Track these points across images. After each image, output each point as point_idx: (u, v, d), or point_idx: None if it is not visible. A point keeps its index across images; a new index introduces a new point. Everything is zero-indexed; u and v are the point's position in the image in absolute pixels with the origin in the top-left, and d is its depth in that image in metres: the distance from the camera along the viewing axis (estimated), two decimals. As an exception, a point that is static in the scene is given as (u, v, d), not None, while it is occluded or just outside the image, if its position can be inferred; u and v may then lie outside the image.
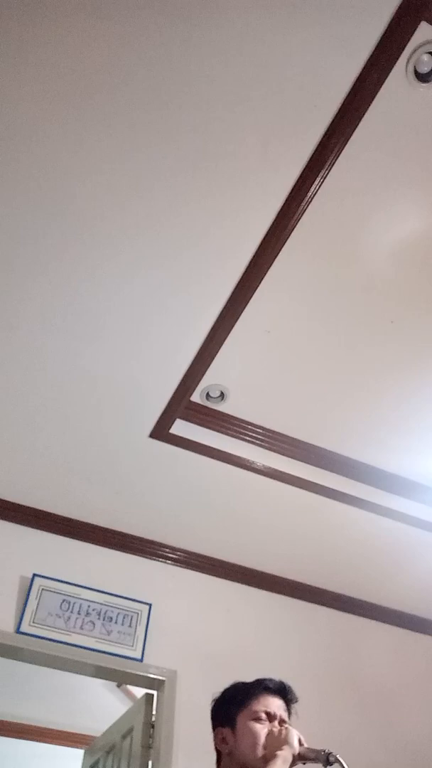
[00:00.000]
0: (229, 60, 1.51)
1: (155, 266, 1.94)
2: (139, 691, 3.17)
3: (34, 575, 2.73)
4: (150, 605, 2.87)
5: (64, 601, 2.73)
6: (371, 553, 3.10)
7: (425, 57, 1.50)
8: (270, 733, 1.39)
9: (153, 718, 2.64)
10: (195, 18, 1.45)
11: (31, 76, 1.55)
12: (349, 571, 3.25)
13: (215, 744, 1.47)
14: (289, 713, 1.51)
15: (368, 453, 2.64)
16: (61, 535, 2.94)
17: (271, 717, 1.43)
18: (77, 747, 3.96)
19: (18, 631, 2.57)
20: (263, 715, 1.43)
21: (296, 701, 1.52)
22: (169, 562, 3.11)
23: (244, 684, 1.53)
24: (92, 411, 2.42)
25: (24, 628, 2.58)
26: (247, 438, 2.55)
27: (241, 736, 1.41)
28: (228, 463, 2.62)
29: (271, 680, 1.52)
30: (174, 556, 3.12)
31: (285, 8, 1.43)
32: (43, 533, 2.91)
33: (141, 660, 2.71)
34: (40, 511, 2.92)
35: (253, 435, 2.54)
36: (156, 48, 1.50)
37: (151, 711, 2.67)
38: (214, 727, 1.50)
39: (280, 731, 1.39)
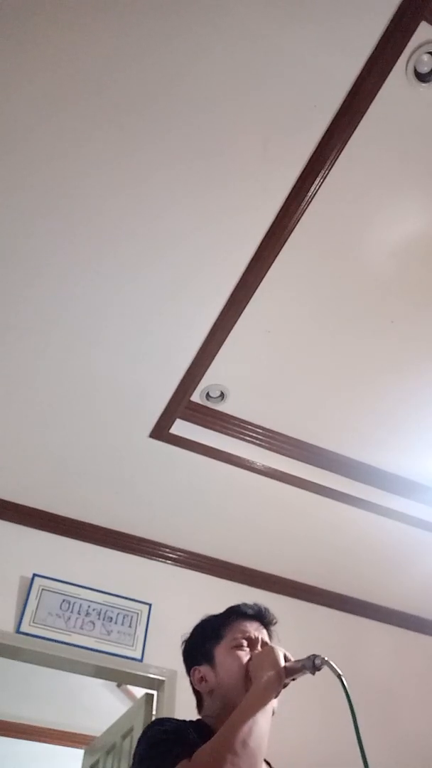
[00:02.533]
0: (229, 60, 1.51)
1: (155, 266, 1.94)
2: (139, 691, 3.17)
3: (34, 575, 2.73)
4: (150, 605, 2.87)
5: (64, 601, 2.73)
6: (371, 553, 3.10)
7: (425, 57, 1.50)
8: (251, 657, 1.24)
9: (153, 718, 2.64)
10: (195, 18, 1.45)
11: (30, 75, 1.55)
12: (349, 571, 3.24)
13: (193, 686, 1.32)
14: (270, 637, 1.37)
15: (368, 453, 2.64)
16: (61, 535, 2.94)
17: (252, 643, 1.29)
18: (77, 747, 3.95)
19: (18, 631, 2.57)
20: (243, 642, 1.28)
21: (275, 622, 1.38)
22: (169, 562, 3.11)
23: (215, 616, 1.40)
24: (92, 411, 2.42)
25: (24, 628, 2.58)
26: (247, 438, 2.55)
27: (222, 669, 1.26)
28: (228, 463, 2.62)
29: (245, 604, 1.40)
30: (174, 556, 3.12)
31: (285, 8, 1.43)
32: (43, 533, 2.91)
33: (141, 660, 2.71)
34: (40, 511, 2.92)
35: (253, 435, 2.54)
36: (156, 48, 1.50)
37: (151, 711, 2.67)
38: (189, 668, 1.35)
39: (261, 652, 1.24)
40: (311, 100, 1.57)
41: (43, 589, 2.71)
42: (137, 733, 2.64)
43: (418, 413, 2.43)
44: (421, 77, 1.54)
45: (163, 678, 2.68)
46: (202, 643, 1.36)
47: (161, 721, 1.20)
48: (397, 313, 2.08)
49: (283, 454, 2.61)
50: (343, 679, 1.12)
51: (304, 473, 2.67)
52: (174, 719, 1.23)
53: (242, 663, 1.24)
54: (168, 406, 2.39)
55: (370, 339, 2.17)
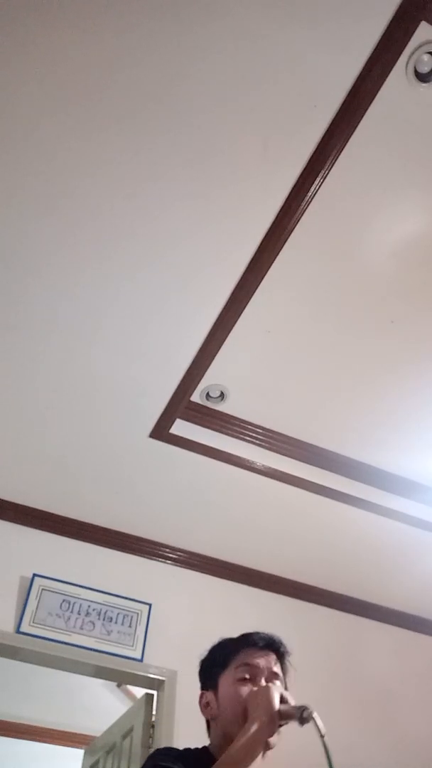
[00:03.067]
0: (229, 60, 1.51)
1: (155, 266, 1.94)
2: (139, 691, 3.17)
3: (34, 575, 2.73)
4: (150, 605, 2.87)
5: (64, 601, 2.73)
6: (371, 553, 3.10)
7: (425, 57, 1.50)
8: (250, 693, 1.19)
9: (153, 718, 2.64)
10: (195, 16, 1.45)
11: (30, 75, 1.55)
12: (349, 571, 3.24)
13: (201, 709, 1.30)
14: (284, 668, 1.32)
15: (368, 453, 2.64)
16: (61, 535, 2.94)
17: (257, 675, 1.25)
18: (77, 747, 3.96)
19: (18, 631, 2.57)
20: (247, 675, 1.25)
21: (289, 654, 1.33)
22: (169, 562, 3.11)
23: (229, 640, 1.36)
24: (92, 411, 2.42)
25: (24, 628, 2.58)
26: (247, 438, 2.55)
27: (224, 699, 1.24)
28: (228, 463, 2.62)
29: (257, 634, 1.33)
30: (174, 556, 3.12)
31: (285, 8, 1.43)
32: (43, 533, 2.91)
33: (141, 660, 2.71)
34: (40, 511, 2.92)
35: (253, 435, 2.54)
36: (156, 48, 1.50)
37: (151, 711, 2.67)
38: (201, 690, 1.33)
39: (259, 690, 1.19)
40: (311, 100, 1.57)
41: (43, 589, 2.71)
42: (137, 733, 2.64)
43: (418, 413, 2.43)
44: (421, 77, 1.54)
45: (163, 678, 2.68)
46: (210, 668, 1.34)
47: (164, 752, 1.18)
48: (397, 313, 2.08)
49: (283, 454, 2.61)
50: (325, 739, 1.07)
51: (304, 473, 2.67)
52: (177, 749, 1.21)
53: (241, 697, 1.20)
54: (168, 406, 2.39)
55: (371, 339, 2.17)
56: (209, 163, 1.70)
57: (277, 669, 1.28)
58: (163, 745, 2.49)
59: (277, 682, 1.24)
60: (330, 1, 1.42)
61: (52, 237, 1.88)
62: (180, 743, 2.60)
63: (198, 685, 1.37)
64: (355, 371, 2.29)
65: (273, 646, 1.31)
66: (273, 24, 1.45)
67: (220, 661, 1.31)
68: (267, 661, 1.28)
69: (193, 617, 2.95)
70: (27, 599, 2.66)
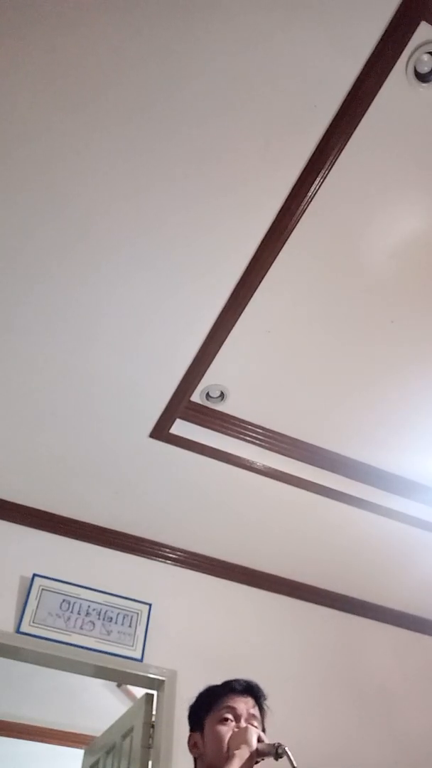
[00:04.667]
0: (229, 60, 1.51)
1: (155, 266, 1.94)
2: (139, 691, 3.17)
3: (34, 575, 2.73)
4: (150, 605, 2.87)
5: (64, 601, 2.73)
6: (371, 553, 3.10)
7: (425, 57, 1.50)
8: (232, 734, 1.36)
9: (153, 718, 2.64)
10: (194, 18, 1.45)
11: (31, 76, 1.55)
12: (349, 571, 3.25)
13: (189, 749, 1.46)
14: (261, 710, 1.48)
15: (368, 453, 2.64)
16: (61, 535, 2.94)
17: (237, 717, 1.41)
18: (77, 747, 3.95)
19: (18, 631, 2.57)
20: (229, 716, 1.40)
21: (265, 698, 1.49)
22: (169, 562, 3.11)
23: (214, 687, 1.52)
24: (92, 411, 2.42)
25: (24, 628, 2.58)
26: (247, 438, 2.55)
27: (209, 740, 1.40)
28: (228, 463, 2.62)
29: (237, 681, 1.49)
30: (174, 556, 3.12)
31: (285, 8, 1.43)
32: (43, 533, 2.91)
33: (141, 660, 2.71)
34: (40, 511, 2.92)
35: (253, 435, 2.54)
36: (156, 48, 1.50)
37: (151, 711, 2.67)
38: (190, 731, 1.49)
39: (239, 731, 1.36)
40: (311, 100, 1.58)
41: (43, 589, 2.71)
42: (137, 733, 2.64)
43: (418, 413, 2.43)
44: (421, 77, 1.54)
45: (163, 678, 2.68)
46: (197, 711, 1.48)
47: None
48: (397, 313, 2.08)
49: (283, 454, 2.61)
50: None
51: (304, 473, 2.67)
52: None
53: (223, 737, 1.36)
54: (168, 406, 2.39)
55: (370, 339, 2.17)
56: (209, 164, 1.70)
57: (254, 711, 1.44)
58: (163, 744, 2.49)
59: (255, 723, 1.41)
60: (330, 2, 1.42)
61: (52, 239, 1.88)
62: (180, 743, 2.62)
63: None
64: (355, 371, 2.29)
65: (251, 691, 1.47)
66: (273, 25, 1.46)
67: (205, 705, 1.47)
68: (246, 704, 1.43)
69: (193, 617, 2.95)
70: (27, 599, 2.66)
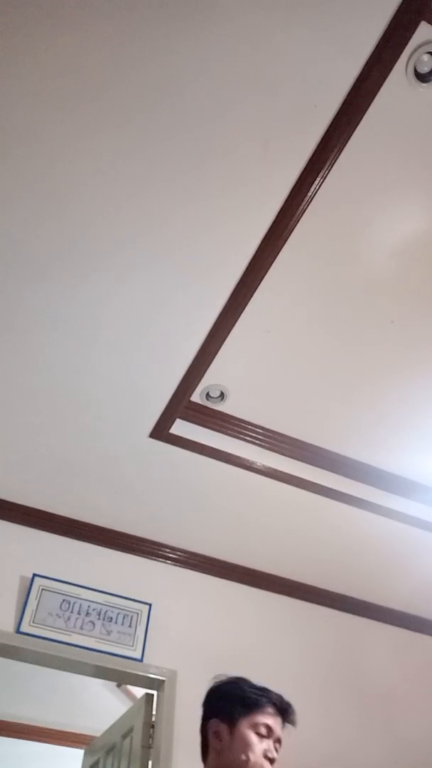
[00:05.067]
0: (228, 60, 1.51)
1: (155, 266, 1.94)
2: (139, 691, 3.17)
3: (34, 575, 2.73)
4: (150, 605, 2.87)
5: (64, 601, 2.73)
6: (371, 553, 3.10)
7: (425, 57, 1.50)
8: (263, 750, 1.37)
9: (153, 718, 2.64)
10: (194, 17, 1.45)
11: (29, 77, 1.55)
12: (349, 571, 3.25)
13: (206, 735, 1.44)
14: (283, 729, 1.48)
15: (368, 453, 2.64)
16: (61, 535, 2.94)
17: (270, 734, 1.41)
18: (77, 747, 3.95)
19: (18, 631, 2.57)
20: (263, 730, 1.40)
21: (294, 725, 1.48)
22: (169, 562, 3.11)
23: (251, 687, 1.49)
24: (92, 411, 2.42)
25: (24, 628, 2.58)
26: (247, 438, 2.55)
27: (237, 741, 1.38)
28: (228, 463, 2.62)
29: (280, 698, 1.48)
30: (174, 556, 3.12)
31: (284, 8, 1.43)
32: (43, 533, 2.91)
33: (141, 660, 2.71)
34: (40, 511, 2.92)
35: (253, 435, 2.54)
36: (155, 48, 1.50)
37: (151, 711, 2.67)
38: (208, 715, 1.46)
39: (272, 750, 1.37)
40: (311, 100, 1.58)
41: (43, 589, 2.71)
42: (137, 733, 2.64)
43: (418, 413, 2.43)
44: (421, 77, 1.54)
45: (163, 678, 2.68)
46: (232, 703, 1.44)
47: None
48: (397, 313, 2.08)
49: (283, 454, 2.61)
50: None
51: (304, 473, 2.67)
52: None
53: (255, 748, 1.36)
54: (168, 406, 2.39)
55: (371, 339, 2.17)
56: (209, 164, 1.70)
57: (282, 734, 1.45)
58: (162, 744, 2.49)
59: (278, 747, 1.42)
60: (330, 2, 1.42)
61: (52, 239, 1.88)
62: (180, 743, 2.62)
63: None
64: (355, 371, 2.29)
65: (286, 713, 1.46)
66: (273, 25, 1.46)
67: (243, 704, 1.43)
68: (279, 727, 1.44)
69: (193, 617, 2.96)
70: (27, 599, 2.66)
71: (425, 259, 1.92)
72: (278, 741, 1.42)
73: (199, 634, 2.91)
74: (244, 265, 1.93)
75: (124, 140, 1.66)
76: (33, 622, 2.61)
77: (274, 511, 2.88)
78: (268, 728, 1.40)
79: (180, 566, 3.13)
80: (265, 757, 1.37)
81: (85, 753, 3.29)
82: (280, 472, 2.66)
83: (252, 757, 1.35)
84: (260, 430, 2.53)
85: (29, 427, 2.50)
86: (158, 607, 2.89)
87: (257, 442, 2.56)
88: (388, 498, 2.79)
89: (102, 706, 4.28)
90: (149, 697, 2.72)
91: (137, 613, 2.83)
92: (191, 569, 3.14)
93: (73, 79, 1.55)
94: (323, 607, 3.35)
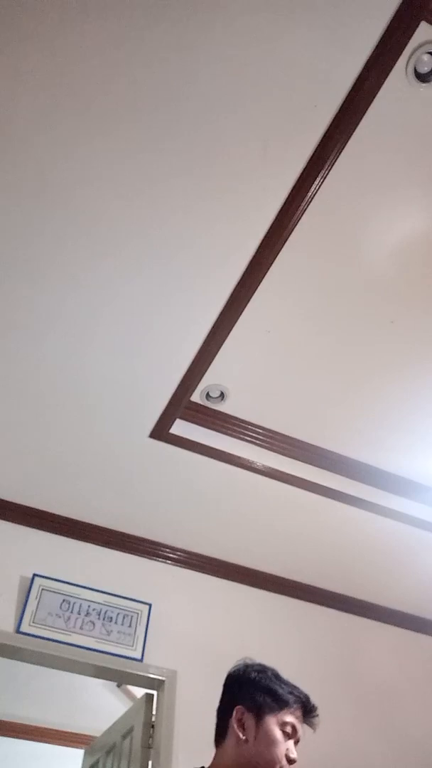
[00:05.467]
0: (228, 60, 1.51)
1: (155, 266, 1.94)
2: (139, 691, 3.17)
3: (34, 575, 2.73)
4: (150, 605, 2.87)
5: (64, 601, 2.73)
6: (371, 553, 3.10)
7: (425, 57, 1.50)
8: (287, 750, 1.34)
9: (153, 718, 2.64)
10: (194, 18, 1.45)
11: (29, 77, 1.55)
12: (349, 571, 3.25)
13: (226, 719, 1.40)
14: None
15: (368, 453, 2.64)
16: (61, 535, 2.94)
17: (294, 734, 1.38)
18: (77, 747, 3.96)
19: (18, 631, 2.57)
20: (289, 729, 1.37)
21: (314, 729, 1.45)
22: (169, 562, 3.11)
23: (283, 683, 1.45)
24: (92, 411, 2.42)
25: (24, 628, 2.58)
26: (247, 438, 2.55)
27: (263, 735, 1.34)
28: (228, 463, 2.62)
29: (308, 698, 1.45)
30: (174, 556, 3.12)
31: (285, 8, 1.43)
32: (43, 533, 2.91)
33: (141, 660, 2.71)
34: (40, 511, 2.92)
35: (253, 435, 2.54)
36: (155, 48, 1.50)
37: (151, 711, 2.67)
38: (232, 700, 1.41)
39: (293, 751, 1.35)
40: (311, 100, 1.58)
41: (43, 589, 2.71)
42: (137, 733, 2.64)
43: (418, 413, 2.43)
44: (421, 77, 1.54)
45: (163, 678, 2.68)
46: (265, 693, 1.40)
47: None
48: (397, 313, 2.08)
49: (283, 454, 2.61)
50: None
51: (304, 473, 2.67)
52: None
53: (281, 747, 1.33)
54: (168, 406, 2.39)
55: (370, 339, 2.17)
56: (209, 164, 1.70)
57: (301, 734, 1.41)
58: (162, 744, 2.49)
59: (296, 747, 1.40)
60: (330, 2, 1.42)
61: (52, 239, 1.88)
62: (180, 743, 2.62)
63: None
64: (355, 371, 2.29)
65: (309, 714, 1.42)
66: (272, 25, 1.46)
67: (276, 696, 1.39)
68: (302, 729, 1.40)
69: (193, 617, 2.95)
70: (27, 599, 2.66)
71: (425, 259, 1.92)
72: (298, 742, 1.40)
73: (199, 634, 2.91)
74: (244, 265, 1.93)
75: (124, 140, 1.66)
76: (33, 622, 2.61)
77: (274, 511, 2.88)
78: (294, 729, 1.38)
79: (180, 566, 3.13)
80: (287, 757, 1.34)
81: (85, 753, 3.29)
82: (280, 472, 2.66)
83: (277, 754, 1.32)
84: (260, 430, 2.53)
85: (29, 427, 2.50)
86: (158, 607, 2.89)
87: (257, 442, 2.56)
88: (388, 498, 2.79)
89: (102, 706, 4.28)
90: (149, 697, 2.72)
91: (137, 613, 2.83)
92: (191, 569, 3.14)
93: (73, 80, 1.55)
94: (323, 607, 3.35)
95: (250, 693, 1.40)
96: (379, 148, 1.67)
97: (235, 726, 1.36)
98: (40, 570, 2.77)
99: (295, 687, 1.45)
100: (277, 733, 1.34)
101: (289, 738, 1.36)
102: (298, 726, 1.39)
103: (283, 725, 1.36)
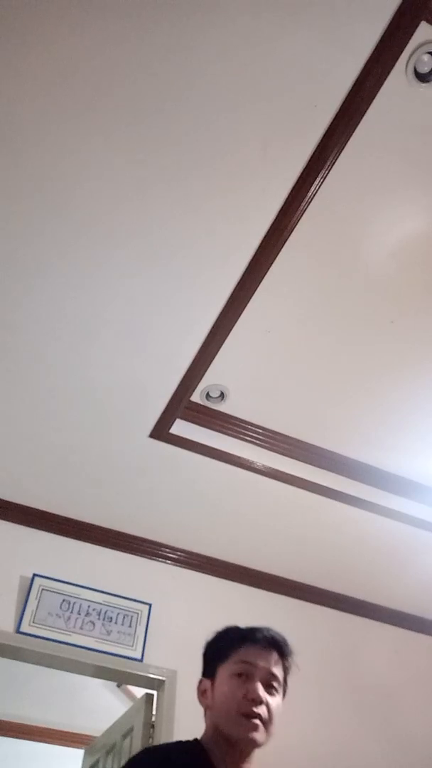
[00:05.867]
0: (228, 61, 1.51)
1: (155, 267, 1.94)
2: (139, 691, 3.17)
3: (34, 575, 2.73)
4: (150, 605, 2.87)
5: (64, 601, 2.73)
6: (371, 553, 3.10)
7: (425, 57, 1.50)
8: (244, 693, 1.19)
9: (153, 718, 2.64)
10: (194, 18, 1.45)
11: (31, 77, 1.55)
12: (349, 571, 3.24)
13: (197, 696, 1.30)
14: (286, 669, 1.29)
15: (368, 453, 2.64)
16: (61, 535, 2.94)
17: (253, 674, 1.23)
18: (77, 747, 3.96)
19: (18, 631, 2.57)
20: (243, 668, 1.23)
21: (292, 654, 1.30)
22: (169, 562, 3.11)
23: (235, 630, 1.33)
24: (92, 411, 2.42)
25: (24, 628, 2.58)
26: (247, 438, 2.55)
27: (218, 693, 1.23)
28: (228, 463, 2.62)
29: (262, 631, 1.29)
30: (174, 556, 3.12)
31: (285, 8, 1.43)
32: (43, 533, 2.91)
33: (141, 660, 2.71)
34: (40, 511, 2.92)
35: (253, 435, 2.54)
36: (155, 48, 1.50)
37: (151, 711, 2.67)
38: (201, 676, 1.33)
39: (254, 690, 1.19)
40: (311, 100, 1.57)
41: (43, 589, 2.71)
42: (137, 733, 2.64)
43: (418, 413, 2.43)
44: (421, 77, 1.54)
45: (163, 678, 2.68)
46: (213, 656, 1.32)
47: (145, 761, 1.16)
48: (397, 313, 2.08)
49: (283, 454, 2.61)
50: None
51: (304, 473, 2.67)
52: (160, 752, 1.21)
53: (233, 695, 1.20)
54: (168, 406, 2.39)
55: (370, 339, 2.17)
56: (209, 164, 1.70)
57: (276, 670, 1.26)
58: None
59: (275, 684, 1.25)
60: (330, 2, 1.42)
61: (52, 238, 1.88)
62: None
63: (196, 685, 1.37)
64: (355, 371, 2.29)
65: (276, 645, 1.28)
66: (273, 25, 1.45)
67: (222, 651, 1.29)
68: (267, 661, 1.25)
69: (193, 617, 2.95)
70: (27, 599, 2.66)
71: (425, 259, 1.92)
72: (272, 676, 1.24)
73: (199, 634, 2.87)
74: (244, 265, 1.93)
75: (124, 141, 1.66)
76: (33, 622, 2.61)
77: (274, 511, 2.88)
78: (249, 665, 1.23)
79: (180, 566, 3.13)
80: (246, 699, 1.19)
81: (85, 753, 3.29)
82: (280, 472, 2.66)
83: (230, 706, 1.19)
84: (260, 430, 2.53)
85: (29, 427, 2.50)
86: (158, 607, 2.89)
87: (257, 442, 2.56)
88: (388, 498, 2.79)
89: (102, 706, 4.28)
90: (149, 697, 2.72)
91: (137, 613, 2.83)
92: (191, 569, 3.14)
93: (75, 81, 1.55)
94: (323, 607, 3.35)
95: (205, 661, 1.34)
96: (379, 148, 1.67)
97: (200, 699, 1.28)
98: (40, 570, 2.77)
99: (251, 628, 1.32)
100: (230, 683, 1.22)
101: (248, 680, 1.22)
102: (255, 659, 1.24)
103: (234, 671, 1.23)
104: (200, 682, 1.31)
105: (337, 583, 3.34)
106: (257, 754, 1.22)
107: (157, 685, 2.70)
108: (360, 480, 2.72)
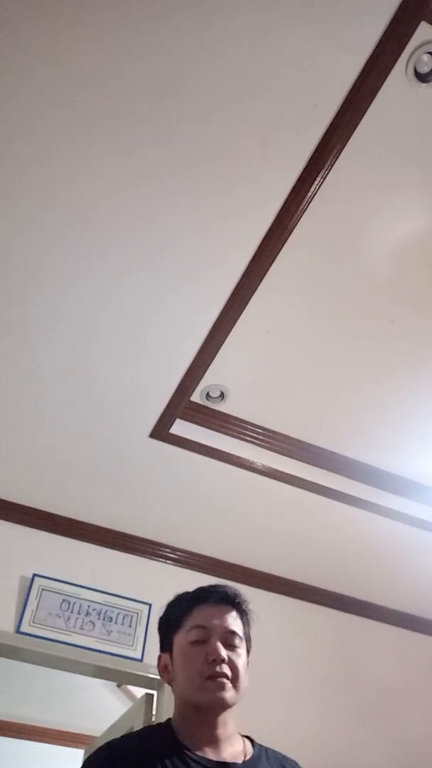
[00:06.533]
0: (228, 60, 1.51)
1: (155, 266, 1.94)
2: (139, 691, 3.17)
3: (34, 575, 2.73)
4: (150, 605, 2.87)
5: (64, 601, 2.73)
6: (371, 553, 3.10)
7: (425, 57, 1.50)
8: (204, 656, 1.13)
9: (153, 718, 2.64)
10: (194, 16, 1.45)
11: (30, 75, 1.55)
12: (349, 571, 3.24)
13: (159, 673, 1.24)
14: (246, 623, 1.25)
15: (368, 453, 2.64)
16: (61, 535, 2.94)
17: (210, 637, 1.17)
18: (77, 747, 3.96)
19: (18, 631, 2.57)
20: (197, 634, 1.17)
21: (248, 603, 1.26)
22: (169, 562, 3.11)
23: (183, 596, 1.29)
24: (92, 411, 2.42)
25: (24, 628, 2.58)
26: (247, 438, 2.55)
27: (178, 664, 1.17)
28: (228, 463, 2.62)
29: (211, 588, 1.24)
30: (174, 556, 3.12)
31: (285, 8, 1.43)
32: (43, 533, 2.91)
33: (141, 660, 2.71)
34: (40, 511, 2.91)
35: (253, 435, 2.54)
36: (154, 46, 1.50)
37: (151, 711, 2.67)
38: (160, 652, 1.27)
39: (215, 650, 1.13)
40: (311, 100, 1.58)
41: (43, 589, 2.71)
42: (137, 733, 2.64)
43: (418, 413, 2.43)
44: (421, 77, 1.54)
45: (163, 678, 2.68)
46: (167, 627, 1.26)
47: (101, 759, 1.08)
48: (397, 313, 2.08)
49: (283, 454, 2.61)
50: None
51: (304, 473, 2.67)
52: (123, 743, 1.12)
53: (191, 660, 1.14)
54: (168, 406, 2.39)
55: (370, 339, 2.17)
56: (208, 164, 1.70)
57: (235, 627, 1.21)
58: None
59: (236, 642, 1.19)
60: (330, 1, 1.42)
61: (50, 238, 1.88)
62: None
63: None
64: (355, 371, 2.29)
65: (229, 600, 1.23)
66: (273, 24, 1.46)
67: (175, 620, 1.24)
68: (222, 619, 1.20)
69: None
70: (27, 599, 2.65)
71: (425, 259, 1.93)
72: (231, 634, 1.18)
73: (199, 634, 2.90)
74: (244, 265, 1.93)
75: (122, 140, 1.66)
76: (33, 622, 2.61)
77: (274, 511, 2.88)
78: (204, 629, 1.17)
79: (180, 566, 3.13)
80: (207, 661, 1.13)
81: (85, 753, 3.29)
82: (280, 472, 2.66)
83: (192, 672, 1.13)
84: (260, 430, 2.53)
85: (29, 427, 2.50)
86: (158, 607, 2.86)
87: (257, 442, 2.56)
88: (388, 498, 2.79)
89: (102, 706, 4.27)
90: (149, 697, 2.72)
91: (137, 613, 2.83)
92: (191, 569, 3.14)
93: (74, 79, 1.55)
94: (323, 607, 3.34)
95: (161, 635, 1.28)
96: (379, 148, 1.67)
97: (162, 675, 1.23)
98: (40, 570, 2.76)
99: (199, 588, 1.28)
100: (188, 652, 1.16)
101: (204, 641, 1.16)
102: (209, 622, 1.18)
103: (189, 639, 1.18)
104: (159, 658, 1.25)
105: (337, 583, 3.34)
106: (234, 716, 1.16)
107: (157, 685, 2.70)
108: (360, 480, 2.72)
